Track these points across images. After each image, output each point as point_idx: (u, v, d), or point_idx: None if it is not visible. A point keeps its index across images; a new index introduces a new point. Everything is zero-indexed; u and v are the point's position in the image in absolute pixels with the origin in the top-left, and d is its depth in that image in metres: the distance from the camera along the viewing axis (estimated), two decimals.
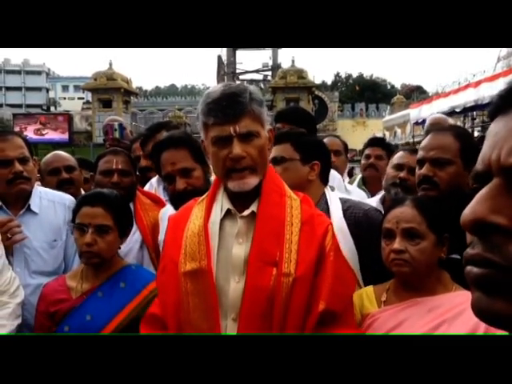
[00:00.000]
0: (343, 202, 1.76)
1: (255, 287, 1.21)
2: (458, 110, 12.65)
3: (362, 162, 3.23)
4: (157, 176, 2.65)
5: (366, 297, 1.49)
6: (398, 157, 2.20)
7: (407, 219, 1.38)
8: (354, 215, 1.69)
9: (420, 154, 1.69)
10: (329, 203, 1.74)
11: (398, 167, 2.13)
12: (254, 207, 1.28)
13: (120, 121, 3.43)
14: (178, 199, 1.75)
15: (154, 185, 2.63)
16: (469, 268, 0.45)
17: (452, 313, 1.25)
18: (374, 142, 3.33)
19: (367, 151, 3.21)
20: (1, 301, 1.73)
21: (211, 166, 1.38)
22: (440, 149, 1.62)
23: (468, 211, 0.45)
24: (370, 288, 1.52)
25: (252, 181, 1.26)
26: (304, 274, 1.22)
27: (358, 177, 3.43)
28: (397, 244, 1.38)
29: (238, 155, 1.22)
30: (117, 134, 3.12)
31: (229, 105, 1.21)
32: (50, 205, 2.08)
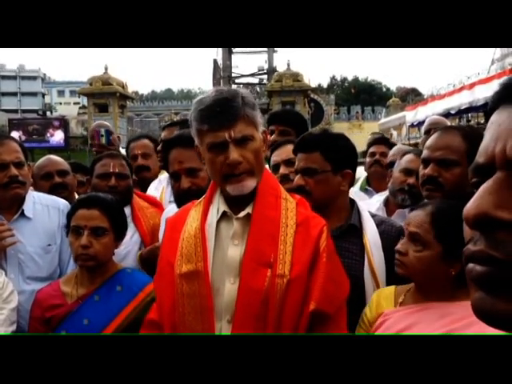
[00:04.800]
0: (371, 216, 1.73)
1: (249, 289, 1.21)
2: (452, 112, 12.77)
3: (367, 159, 3.22)
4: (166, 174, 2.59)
5: (385, 296, 1.46)
6: (406, 160, 2.01)
7: (416, 223, 1.34)
8: (388, 232, 1.67)
9: (425, 153, 1.60)
10: (361, 213, 1.69)
11: (407, 172, 1.98)
12: (249, 209, 1.28)
13: (107, 126, 3.39)
14: (182, 198, 1.73)
15: (162, 182, 2.60)
16: (471, 266, 0.43)
17: (463, 322, 1.17)
18: (378, 140, 3.39)
19: (372, 149, 3.21)
20: None
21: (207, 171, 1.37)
22: (447, 149, 1.53)
23: (471, 205, 0.43)
24: (391, 288, 1.49)
25: (250, 184, 1.26)
26: (298, 276, 1.22)
27: (362, 178, 3.39)
28: (400, 245, 1.38)
29: (235, 160, 1.22)
30: (103, 140, 3.09)
31: (222, 111, 1.21)
32: (44, 209, 2.05)
